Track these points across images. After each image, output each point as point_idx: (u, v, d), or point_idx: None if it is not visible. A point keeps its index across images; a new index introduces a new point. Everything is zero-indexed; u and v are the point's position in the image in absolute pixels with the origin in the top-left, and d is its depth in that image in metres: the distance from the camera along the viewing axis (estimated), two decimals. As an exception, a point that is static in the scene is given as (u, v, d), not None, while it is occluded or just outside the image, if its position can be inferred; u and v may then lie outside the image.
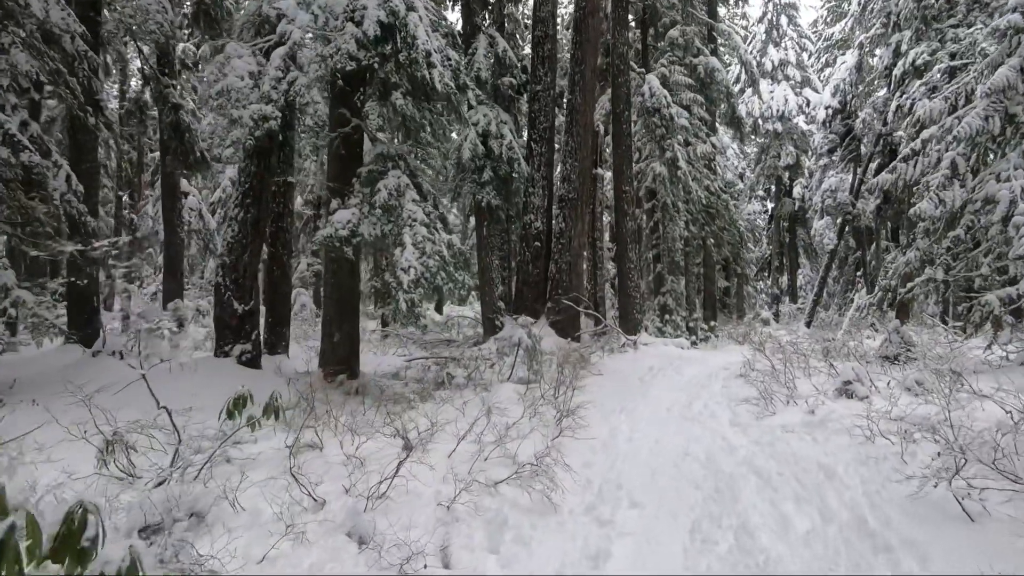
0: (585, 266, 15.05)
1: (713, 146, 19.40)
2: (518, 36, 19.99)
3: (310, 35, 7.64)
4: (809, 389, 6.96)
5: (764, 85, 27.42)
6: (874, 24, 22.02)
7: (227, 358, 8.65)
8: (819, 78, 29.50)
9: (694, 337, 16.20)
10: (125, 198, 25.31)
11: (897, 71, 18.50)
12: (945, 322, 14.43)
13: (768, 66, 28.35)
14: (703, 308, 20.27)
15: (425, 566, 3.07)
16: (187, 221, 21.26)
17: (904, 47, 18.68)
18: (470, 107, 11.49)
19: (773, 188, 30.70)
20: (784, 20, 29.13)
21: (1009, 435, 3.82)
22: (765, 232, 33.22)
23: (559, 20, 19.80)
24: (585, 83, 13.01)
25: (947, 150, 9.85)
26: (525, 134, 14.61)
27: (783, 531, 3.73)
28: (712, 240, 19.85)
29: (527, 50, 18.38)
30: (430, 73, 7.27)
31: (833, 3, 33.23)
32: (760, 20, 29.68)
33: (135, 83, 22.30)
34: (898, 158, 15.81)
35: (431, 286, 7.10)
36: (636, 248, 14.55)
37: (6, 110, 7.78)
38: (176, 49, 15.48)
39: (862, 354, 9.33)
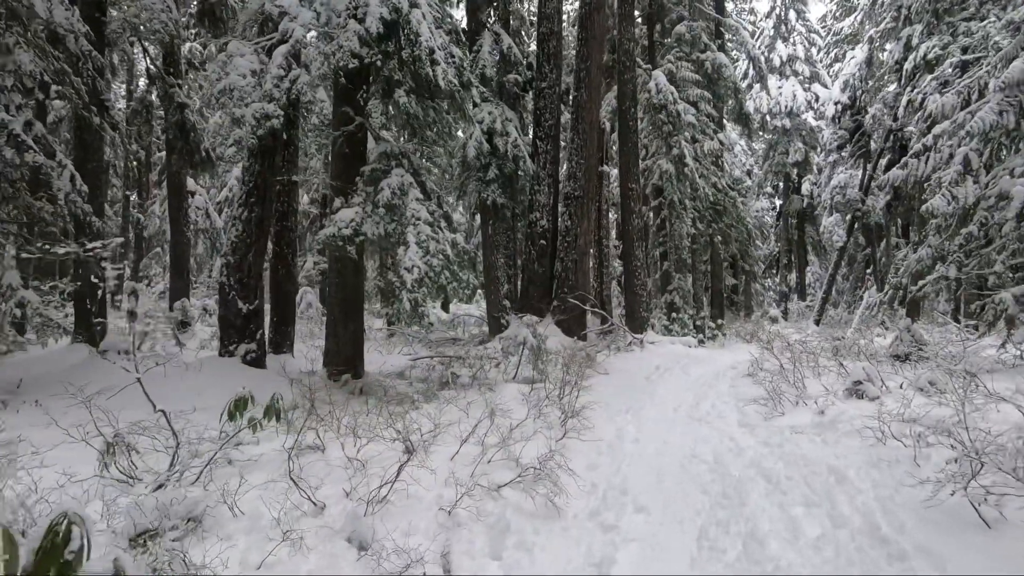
0: (591, 264, 14.94)
1: (720, 143, 19.21)
2: (523, 33, 19.88)
3: (313, 33, 7.59)
4: (819, 389, 6.85)
5: (772, 81, 27.17)
6: (884, 18, 21.73)
7: (231, 357, 8.64)
8: (828, 73, 29.19)
9: (701, 335, 16.06)
10: (133, 198, 25.44)
11: (908, 66, 18.24)
12: (957, 320, 14.23)
13: (776, 61, 28.08)
14: (710, 306, 20.11)
15: (424, 574, 3.01)
16: (194, 220, 21.34)
17: (915, 41, 18.42)
18: (475, 104, 11.39)
19: (781, 185, 30.45)
20: (792, 15, 28.83)
21: (1027, 439, 3.70)
22: (773, 229, 32.96)
23: (565, 17, 19.69)
24: (591, 80, 12.90)
25: (960, 145, 9.68)
26: (530, 132, 14.52)
27: (793, 537, 3.64)
28: (719, 237, 19.68)
29: (532, 47, 18.27)
30: (433, 70, 7.19)
31: (842, -3, 32.87)
32: (768, 15, 29.40)
33: (142, 83, 22.38)
34: (909, 154, 15.60)
35: (435, 285, 7.04)
36: (643, 246, 14.44)
37: (10, 110, 7.78)
38: (182, 49, 15.50)
39: (872, 353, 9.20)
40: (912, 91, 17.72)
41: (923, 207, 10.00)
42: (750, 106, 24.34)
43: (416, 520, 3.52)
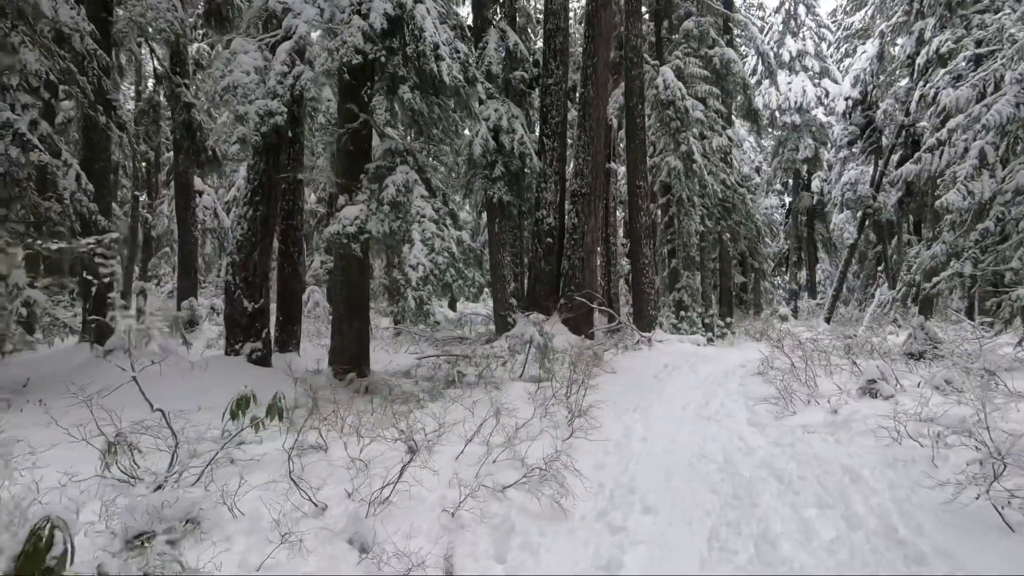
0: (598, 262, 14.83)
1: (729, 139, 19.03)
2: (529, 30, 19.78)
3: (318, 32, 7.54)
4: (831, 388, 6.72)
5: (782, 76, 26.89)
6: (896, 12, 21.44)
7: (237, 356, 8.62)
8: (838, 68, 28.85)
9: (710, 334, 15.91)
10: (143, 198, 25.57)
11: (920, 60, 17.98)
12: (971, 318, 13.99)
13: (786, 57, 27.78)
14: (719, 304, 19.93)
15: (427, 577, 2.94)
16: (201, 220, 21.43)
17: (927, 35, 18.14)
18: (481, 102, 11.33)
19: (791, 182, 30.15)
20: (802, 10, 28.52)
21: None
22: (782, 227, 32.65)
23: (571, 13, 19.55)
24: (598, 76, 12.78)
25: (975, 139, 9.49)
26: (537, 129, 14.41)
27: (806, 539, 3.53)
28: (728, 235, 19.49)
29: (539, 44, 18.15)
30: (438, 66, 7.12)
31: (853, -9, 32.47)
32: (777, 10, 29.09)
33: (151, 85, 22.48)
34: (922, 148, 15.37)
35: (440, 283, 6.97)
36: (650, 243, 14.30)
37: (16, 109, 7.78)
38: (190, 49, 15.53)
39: (885, 351, 9.04)
40: (924, 86, 17.45)
41: (938, 202, 9.81)
42: (759, 102, 24.11)
43: (419, 522, 3.45)
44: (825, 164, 28.26)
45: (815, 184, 28.79)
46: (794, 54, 27.83)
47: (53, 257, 9.14)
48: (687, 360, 10.40)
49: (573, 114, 15.28)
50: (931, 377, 6.45)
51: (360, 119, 7.78)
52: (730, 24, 19.90)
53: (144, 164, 25.48)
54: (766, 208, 32.65)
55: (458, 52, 7.83)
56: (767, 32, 28.48)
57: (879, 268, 27.22)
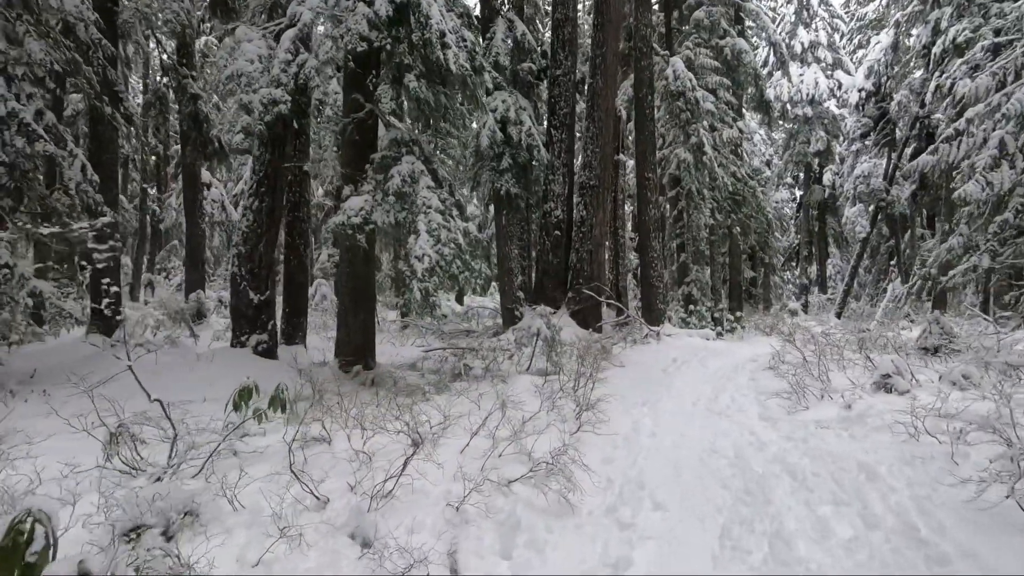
0: (607, 255, 14.68)
1: (740, 131, 18.76)
2: (537, 20, 19.56)
3: (322, 22, 7.43)
4: (844, 382, 6.58)
5: (794, 68, 26.51)
6: (911, 1, 21.03)
7: (243, 348, 8.58)
8: (852, 60, 28.41)
9: (719, 328, 15.73)
10: (152, 191, 25.65)
11: (936, 50, 17.63)
12: (987, 312, 13.73)
13: (798, 48, 27.38)
14: (729, 298, 19.72)
15: (428, 575, 2.85)
16: (209, 213, 21.45)
17: (944, 24, 17.79)
18: (488, 92, 11.19)
19: (802, 175, 29.78)
20: (815, 0, 28.07)
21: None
22: (793, 220, 32.31)
23: (580, 4, 19.33)
24: (607, 67, 12.61)
25: (995, 129, 9.26)
26: (545, 121, 14.25)
27: (822, 538, 3.42)
28: (738, 228, 19.25)
29: (547, 35, 17.96)
30: (444, 54, 7.00)
31: (867, -18, 31.93)
32: (790, 0, 28.66)
33: (159, 78, 22.50)
34: (939, 139, 15.06)
35: (446, 274, 6.87)
36: (659, 237, 14.14)
37: (21, 99, 7.74)
38: (197, 41, 15.48)
39: (900, 346, 8.86)
40: (941, 76, 17.11)
41: (955, 193, 9.60)
42: (770, 94, 23.77)
43: (422, 516, 3.37)
44: (837, 157, 27.87)
45: (827, 177, 28.42)
46: (806, 45, 27.42)
47: (62, 250, 9.14)
48: (696, 354, 10.27)
49: (581, 106, 15.11)
50: (948, 372, 6.28)
51: (365, 108, 7.68)
52: (741, 14, 19.60)
53: (154, 158, 25.55)
54: (777, 202, 32.29)
55: (465, 41, 7.70)
56: (779, 23, 28.07)
57: (891, 262, 26.86)
